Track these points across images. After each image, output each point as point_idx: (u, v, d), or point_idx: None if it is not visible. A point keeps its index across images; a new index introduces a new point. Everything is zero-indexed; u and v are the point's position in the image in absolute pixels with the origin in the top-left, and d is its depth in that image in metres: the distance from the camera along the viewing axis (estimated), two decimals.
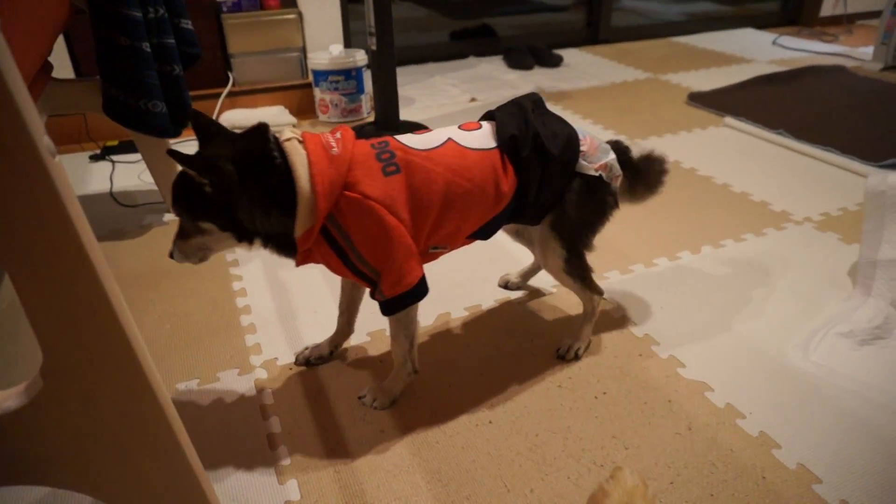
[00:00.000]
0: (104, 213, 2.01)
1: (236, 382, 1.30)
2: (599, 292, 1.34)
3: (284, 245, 1.05)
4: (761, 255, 1.72)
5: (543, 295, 1.57)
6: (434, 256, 1.18)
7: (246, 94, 2.82)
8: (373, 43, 2.44)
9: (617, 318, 1.47)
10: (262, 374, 1.32)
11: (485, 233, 1.19)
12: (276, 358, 1.36)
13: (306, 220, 1.01)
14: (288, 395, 1.26)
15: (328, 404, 1.23)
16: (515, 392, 1.26)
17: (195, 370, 1.33)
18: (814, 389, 1.25)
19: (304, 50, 2.88)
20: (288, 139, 1.02)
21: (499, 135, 1.12)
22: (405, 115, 2.80)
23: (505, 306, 1.53)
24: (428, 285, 1.12)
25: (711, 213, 1.95)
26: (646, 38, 4.19)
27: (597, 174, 1.18)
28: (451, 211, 1.09)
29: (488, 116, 1.20)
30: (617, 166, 1.23)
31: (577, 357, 1.34)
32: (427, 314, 1.50)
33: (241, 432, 1.17)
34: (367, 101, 2.84)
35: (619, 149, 1.27)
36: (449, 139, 1.11)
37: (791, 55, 3.77)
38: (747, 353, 1.36)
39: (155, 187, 2.08)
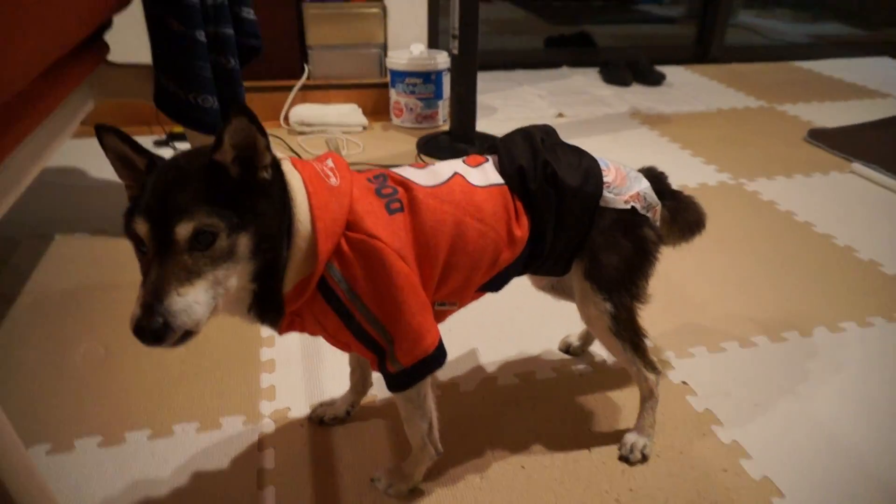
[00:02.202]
0: None
1: (239, 433, 1.12)
2: (655, 369, 1.09)
3: (267, 301, 0.82)
4: (894, 348, 1.39)
5: (611, 367, 1.32)
6: (441, 316, 0.96)
7: (320, 89, 2.69)
8: (455, 47, 2.23)
9: (699, 413, 1.20)
10: (269, 427, 1.14)
11: (496, 283, 0.99)
12: (288, 408, 1.18)
13: (301, 267, 0.80)
14: (292, 460, 1.07)
15: (334, 480, 1.04)
16: (559, 501, 1.02)
17: (198, 410, 1.17)
18: None
19: (384, 47, 2.71)
20: (280, 158, 0.81)
21: (503, 168, 0.96)
22: (484, 125, 2.57)
23: (565, 377, 1.29)
24: (446, 351, 0.91)
25: (829, 284, 1.62)
26: (763, 61, 3.76)
27: (628, 206, 0.98)
28: (461, 256, 0.90)
29: (492, 148, 1.01)
30: (653, 195, 1.03)
31: (643, 458, 1.09)
32: (469, 378, 1.27)
33: (229, 501, 1.00)
34: (444, 108, 2.64)
35: (653, 175, 1.08)
36: (456, 173, 0.94)
37: None
38: (876, 490, 1.05)
39: None
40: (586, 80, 3.29)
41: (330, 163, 0.86)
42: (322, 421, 1.14)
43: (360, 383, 1.14)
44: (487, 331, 1.41)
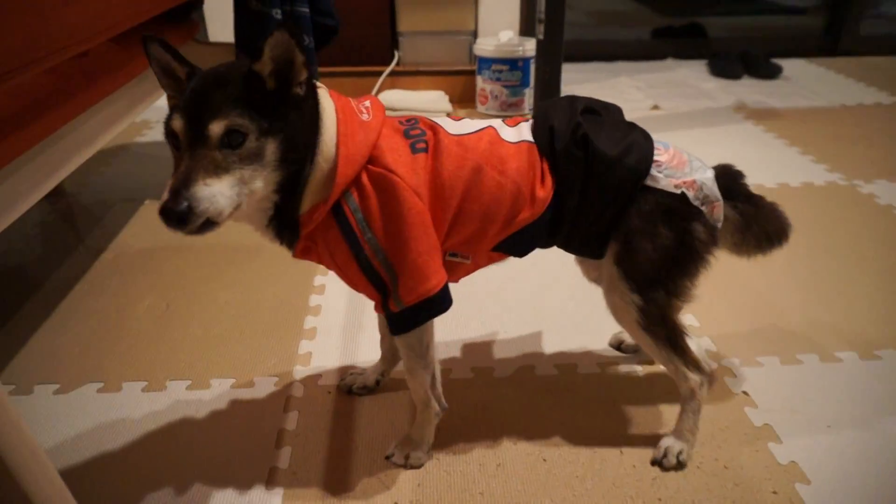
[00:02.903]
0: None
1: (269, 393, 1.15)
2: (700, 369, 0.98)
3: (285, 218, 0.84)
4: None
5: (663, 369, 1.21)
6: (454, 270, 0.94)
7: (409, 75, 2.71)
8: (540, 31, 2.17)
9: (757, 428, 1.07)
10: (297, 392, 1.16)
11: (515, 245, 0.95)
12: (320, 375, 1.20)
13: (320, 190, 0.82)
14: (312, 425, 1.08)
15: (349, 450, 1.03)
16: (577, 499, 0.94)
17: (236, 368, 1.21)
18: None
19: (475, 34, 2.69)
20: (319, 86, 0.85)
21: (536, 127, 0.94)
22: None
23: (609, 374, 1.20)
24: (451, 297, 0.89)
25: None
26: None
27: (678, 191, 0.90)
28: (474, 204, 0.89)
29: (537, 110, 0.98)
30: (713, 188, 0.93)
31: (679, 465, 0.99)
32: (506, 364, 1.22)
33: (246, 455, 1.02)
34: (530, 97, 2.57)
35: (729, 173, 0.99)
36: (489, 126, 0.93)
37: None
38: None
39: None
40: (690, 73, 3.09)
41: (367, 103, 0.89)
42: (351, 390, 1.14)
43: (389, 351, 1.14)
44: (532, 319, 1.35)
